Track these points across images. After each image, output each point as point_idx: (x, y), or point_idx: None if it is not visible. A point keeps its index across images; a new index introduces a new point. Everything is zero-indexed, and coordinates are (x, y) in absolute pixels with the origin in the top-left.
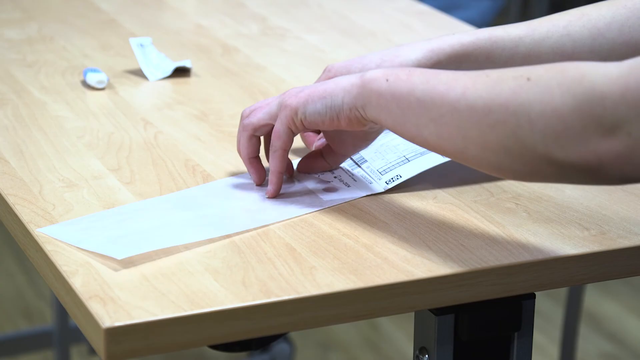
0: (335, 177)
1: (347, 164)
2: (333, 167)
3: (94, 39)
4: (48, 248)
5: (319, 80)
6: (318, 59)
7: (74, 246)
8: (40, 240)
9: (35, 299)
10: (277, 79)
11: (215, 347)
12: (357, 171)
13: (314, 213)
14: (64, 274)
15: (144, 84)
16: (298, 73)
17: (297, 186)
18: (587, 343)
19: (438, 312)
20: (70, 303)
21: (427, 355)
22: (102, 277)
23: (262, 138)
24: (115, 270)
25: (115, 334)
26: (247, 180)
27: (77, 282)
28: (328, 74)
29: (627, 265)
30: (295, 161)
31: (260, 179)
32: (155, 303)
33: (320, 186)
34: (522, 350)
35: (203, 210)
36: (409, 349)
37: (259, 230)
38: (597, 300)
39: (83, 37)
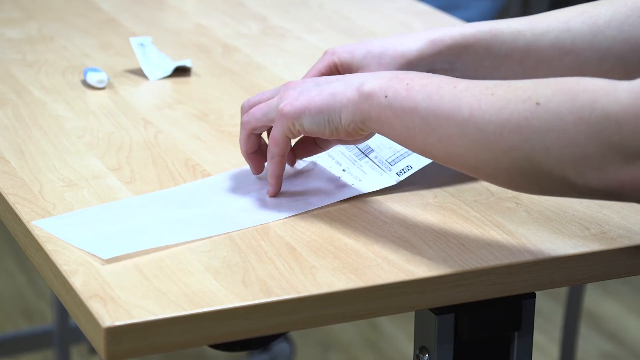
0: (344, 171)
1: (353, 153)
2: (325, 150)
3: (94, 38)
4: (48, 247)
5: (319, 65)
6: (318, 58)
7: (71, 243)
8: (41, 240)
9: (36, 298)
10: (277, 79)
11: (215, 346)
12: (365, 161)
13: (314, 212)
14: (64, 274)
15: (144, 83)
16: (298, 73)
17: (305, 184)
18: (587, 343)
19: (438, 311)
20: (70, 302)
21: (427, 355)
22: (102, 276)
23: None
24: (116, 269)
25: (116, 333)
26: (248, 175)
27: (78, 282)
28: (331, 58)
29: (627, 264)
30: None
31: (258, 171)
32: (156, 302)
33: (330, 184)
34: (522, 349)
35: (200, 208)
36: (409, 348)
37: (259, 229)
38: (597, 299)
39: (83, 37)
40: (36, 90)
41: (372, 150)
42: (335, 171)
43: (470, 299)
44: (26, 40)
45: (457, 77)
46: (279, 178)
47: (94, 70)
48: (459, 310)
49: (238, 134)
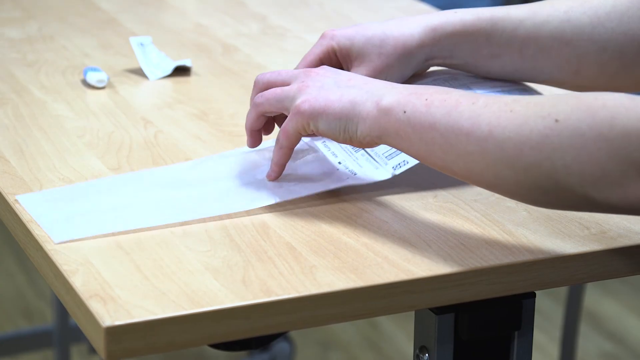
0: (340, 163)
1: (348, 146)
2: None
3: (94, 38)
4: (48, 247)
5: (316, 50)
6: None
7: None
8: (41, 240)
9: (36, 298)
10: None
11: (215, 346)
12: (360, 154)
13: (314, 212)
14: (64, 273)
15: (144, 83)
16: None
17: (303, 168)
18: (587, 342)
19: (438, 311)
20: (70, 302)
21: (427, 355)
22: (102, 276)
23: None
24: (116, 269)
25: (116, 333)
26: (240, 156)
27: (78, 282)
28: (329, 43)
29: (627, 264)
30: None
31: (254, 146)
32: (156, 302)
33: (326, 176)
34: (522, 349)
35: (183, 190)
36: (409, 348)
37: (259, 229)
38: (597, 299)
39: (83, 36)
40: (36, 90)
41: None
42: (331, 164)
43: (470, 298)
44: (26, 40)
45: (455, 64)
46: (283, 167)
47: (94, 69)
48: (459, 310)
49: (238, 134)
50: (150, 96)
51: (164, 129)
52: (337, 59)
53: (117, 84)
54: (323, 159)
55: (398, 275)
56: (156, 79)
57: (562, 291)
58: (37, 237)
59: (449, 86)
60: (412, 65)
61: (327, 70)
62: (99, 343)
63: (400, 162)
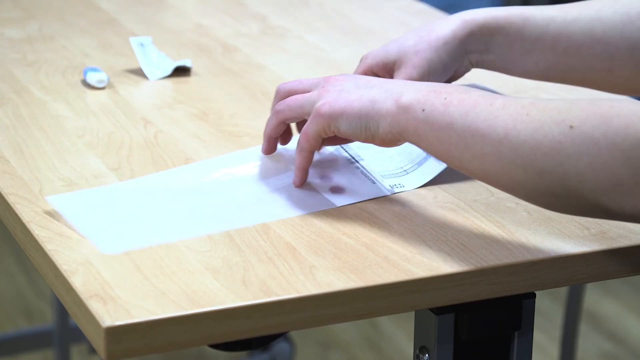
0: (339, 174)
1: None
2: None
3: (94, 38)
4: (48, 247)
5: (357, 71)
6: (318, 58)
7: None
8: (40, 240)
9: (36, 298)
10: (278, 78)
11: (215, 346)
12: (355, 166)
13: (314, 212)
14: (64, 273)
15: (144, 83)
16: (298, 72)
17: (328, 176)
18: (587, 342)
19: (438, 311)
20: (70, 302)
21: (427, 355)
22: (102, 276)
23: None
24: (116, 269)
25: (116, 333)
26: (259, 159)
27: (77, 282)
28: (365, 62)
29: (627, 264)
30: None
31: (269, 153)
32: (156, 302)
33: (326, 185)
34: (522, 349)
35: (208, 199)
36: (409, 348)
37: (259, 229)
38: (597, 299)
39: (83, 36)
40: (36, 90)
41: (363, 159)
42: (331, 175)
43: (470, 298)
44: (26, 40)
45: (491, 59)
46: (306, 171)
47: (94, 70)
48: (459, 310)
49: (238, 134)
50: (150, 96)
51: (164, 129)
52: (379, 76)
53: (117, 84)
54: (348, 167)
55: (398, 275)
56: (156, 79)
57: (562, 291)
58: (36, 237)
59: None
60: (452, 56)
61: (346, 76)
62: (99, 343)
63: (396, 183)
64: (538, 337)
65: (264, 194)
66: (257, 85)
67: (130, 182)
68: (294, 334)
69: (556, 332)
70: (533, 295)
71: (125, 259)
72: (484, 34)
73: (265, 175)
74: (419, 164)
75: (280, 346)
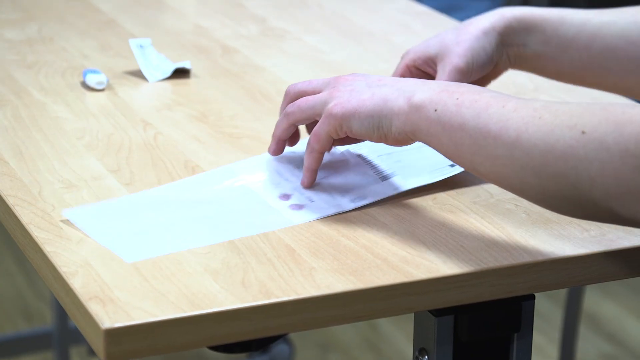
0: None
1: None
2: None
3: (94, 39)
4: (47, 249)
5: (398, 68)
6: (317, 59)
7: (73, 239)
8: (40, 242)
9: (35, 299)
10: (277, 80)
11: (214, 348)
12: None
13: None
14: (64, 275)
15: (143, 85)
16: (298, 74)
17: (339, 178)
18: (587, 344)
19: (437, 313)
20: (69, 304)
21: (426, 357)
22: (102, 278)
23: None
24: (115, 271)
25: (115, 335)
26: (269, 165)
27: (77, 283)
28: (407, 58)
29: (627, 266)
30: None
31: (277, 154)
32: (155, 304)
33: (286, 202)
34: (522, 351)
35: (223, 206)
36: (408, 350)
37: None
38: (597, 301)
39: (83, 38)
40: (36, 92)
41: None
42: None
43: (470, 300)
44: (26, 42)
45: (528, 55)
46: (315, 172)
47: (94, 72)
48: (458, 312)
49: (237, 135)
50: (150, 98)
51: (164, 131)
52: (419, 71)
53: (117, 86)
54: (359, 167)
55: (397, 277)
56: (155, 80)
57: (562, 293)
58: (36, 239)
59: None
60: (492, 44)
61: (357, 75)
62: (99, 345)
63: (358, 196)
64: (537, 338)
65: (272, 202)
66: (256, 86)
67: (141, 194)
68: (293, 336)
69: (555, 333)
70: (532, 297)
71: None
72: (521, 29)
73: (273, 181)
74: (385, 177)
75: (279, 348)
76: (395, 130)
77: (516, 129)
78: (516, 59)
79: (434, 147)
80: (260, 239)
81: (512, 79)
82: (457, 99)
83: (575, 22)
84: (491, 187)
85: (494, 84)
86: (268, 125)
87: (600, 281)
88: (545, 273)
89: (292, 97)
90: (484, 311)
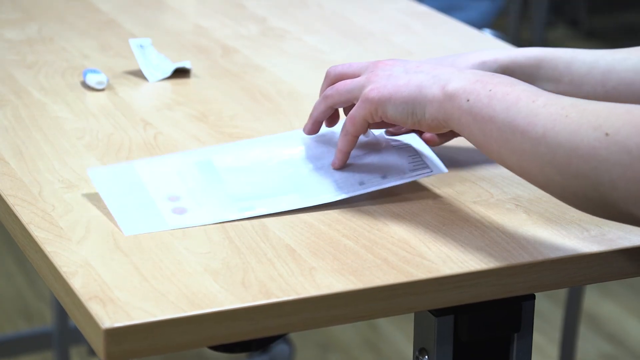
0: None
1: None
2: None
3: (94, 39)
4: (47, 249)
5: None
6: (318, 59)
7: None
8: (40, 241)
9: (35, 299)
10: (277, 80)
11: (215, 348)
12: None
13: (313, 214)
14: (64, 275)
15: (143, 84)
16: (298, 74)
17: (373, 158)
18: (587, 344)
19: (438, 313)
20: (69, 304)
21: (426, 356)
22: (102, 278)
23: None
24: (115, 271)
25: (115, 334)
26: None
27: (77, 283)
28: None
29: (627, 266)
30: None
31: (311, 134)
32: (155, 304)
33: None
34: (522, 351)
35: (247, 178)
36: (408, 349)
37: (258, 230)
38: (597, 301)
39: (83, 38)
40: (36, 92)
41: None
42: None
43: (470, 300)
44: (26, 42)
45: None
46: (347, 154)
47: (94, 71)
48: (458, 312)
49: (238, 135)
50: (150, 98)
51: (164, 131)
52: None
53: (117, 86)
54: (392, 151)
55: (397, 277)
56: (156, 80)
57: (562, 293)
58: (36, 239)
59: None
60: None
61: (396, 60)
62: (99, 345)
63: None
64: (537, 338)
65: (302, 175)
66: (256, 86)
67: (174, 155)
68: (293, 336)
69: (555, 333)
70: (533, 297)
71: (125, 261)
72: (529, 64)
73: (307, 156)
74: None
75: (279, 348)
76: (428, 117)
77: (543, 125)
78: None
79: (464, 136)
80: (260, 238)
81: None
82: (490, 90)
83: (588, 59)
84: (491, 187)
85: None
86: (268, 125)
87: (600, 281)
88: (546, 273)
89: (331, 79)
90: (484, 311)
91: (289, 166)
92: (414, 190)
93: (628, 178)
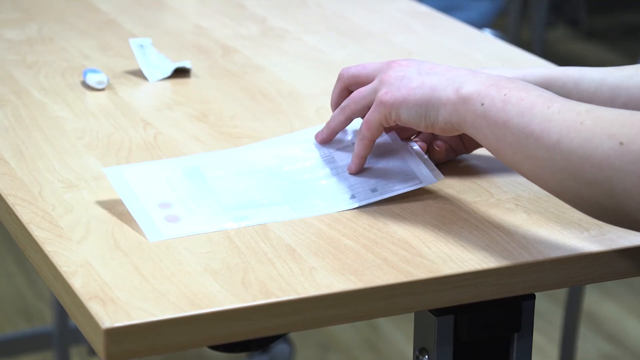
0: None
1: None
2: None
3: (94, 39)
4: (48, 249)
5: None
6: (317, 59)
7: (73, 238)
8: (40, 241)
9: (35, 299)
10: (277, 80)
11: (215, 347)
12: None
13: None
14: (64, 275)
15: (143, 84)
16: (298, 74)
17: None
18: (587, 344)
19: (438, 312)
20: (70, 304)
21: (426, 356)
22: (102, 277)
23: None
24: (115, 271)
25: (115, 334)
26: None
27: (77, 283)
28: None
29: (627, 266)
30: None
31: (323, 143)
32: (155, 304)
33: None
34: (522, 351)
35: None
36: (408, 349)
37: (259, 230)
38: (597, 301)
39: (83, 38)
40: (36, 92)
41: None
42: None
43: (470, 300)
44: (26, 42)
45: None
46: (364, 159)
47: (94, 71)
48: (458, 312)
49: (238, 135)
50: (150, 98)
51: (164, 131)
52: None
53: (117, 86)
54: (404, 152)
55: (398, 277)
56: (156, 80)
57: (562, 293)
58: (36, 239)
59: None
60: None
61: (410, 61)
62: (99, 345)
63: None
64: (537, 338)
65: (293, 186)
66: (256, 86)
67: (189, 158)
68: (293, 336)
69: (556, 333)
70: (533, 297)
71: (125, 261)
72: (537, 83)
73: (297, 166)
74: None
75: (279, 348)
76: (442, 120)
77: (558, 132)
78: None
79: (479, 141)
80: (260, 238)
81: None
82: (505, 95)
83: (596, 77)
84: (491, 187)
85: None
86: (268, 125)
87: (600, 281)
88: (546, 273)
89: (345, 80)
90: (484, 311)
91: (278, 177)
92: (414, 190)
93: None
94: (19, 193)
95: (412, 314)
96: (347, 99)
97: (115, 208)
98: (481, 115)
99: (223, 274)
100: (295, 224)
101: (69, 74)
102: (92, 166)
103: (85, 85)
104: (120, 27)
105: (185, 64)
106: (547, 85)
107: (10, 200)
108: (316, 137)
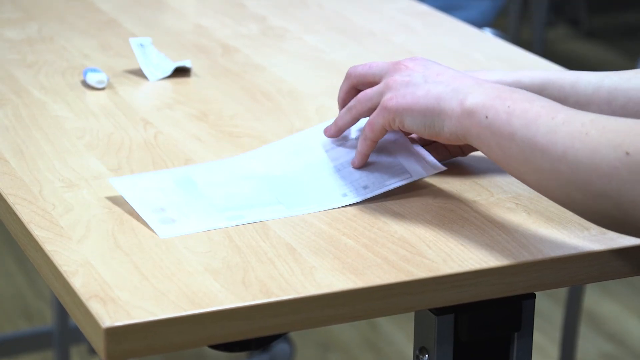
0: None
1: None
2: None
3: (94, 39)
4: (48, 248)
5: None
6: (318, 59)
7: (74, 237)
8: (40, 240)
9: (35, 299)
10: (277, 79)
11: (215, 347)
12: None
13: (314, 213)
14: (64, 274)
15: (144, 84)
16: (298, 73)
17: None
18: (587, 343)
19: (438, 312)
20: (70, 303)
21: (427, 355)
22: (102, 277)
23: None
24: (115, 270)
25: (115, 334)
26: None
27: (77, 282)
28: None
29: (627, 265)
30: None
31: (331, 137)
32: (155, 303)
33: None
34: (522, 350)
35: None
36: (408, 349)
37: (259, 229)
38: (597, 300)
39: (83, 37)
40: (36, 91)
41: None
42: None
43: (470, 299)
44: (26, 41)
45: None
46: (366, 157)
47: (94, 70)
48: (458, 311)
49: (238, 134)
50: (150, 97)
51: (164, 130)
52: None
53: (117, 85)
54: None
55: (398, 276)
56: (156, 79)
57: (562, 292)
58: (36, 238)
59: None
60: None
61: (417, 64)
62: (99, 344)
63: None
64: (538, 338)
65: (286, 186)
66: (256, 86)
67: (194, 167)
68: (293, 335)
69: (556, 333)
70: (533, 296)
71: (125, 260)
72: (534, 85)
73: (287, 168)
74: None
75: (279, 347)
76: (447, 131)
77: (563, 144)
78: None
79: (484, 153)
80: (260, 237)
81: None
82: (509, 106)
83: (592, 80)
84: (492, 186)
85: None
86: (268, 125)
87: (600, 280)
88: (546, 272)
89: (352, 79)
90: (484, 310)
91: (271, 180)
92: (414, 189)
93: None
94: (19, 192)
95: (412, 314)
96: (354, 99)
97: (115, 207)
98: (486, 127)
99: (223, 274)
100: (295, 223)
101: (69, 74)
102: (93, 165)
103: (85, 84)
104: (121, 26)
105: (186, 63)
106: (545, 88)
107: (11, 200)
108: (325, 132)
